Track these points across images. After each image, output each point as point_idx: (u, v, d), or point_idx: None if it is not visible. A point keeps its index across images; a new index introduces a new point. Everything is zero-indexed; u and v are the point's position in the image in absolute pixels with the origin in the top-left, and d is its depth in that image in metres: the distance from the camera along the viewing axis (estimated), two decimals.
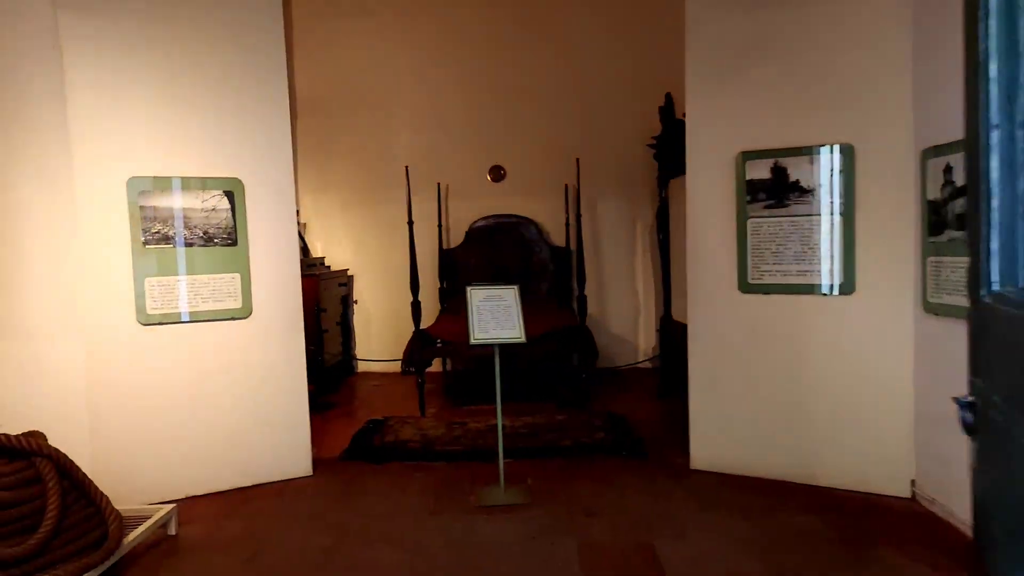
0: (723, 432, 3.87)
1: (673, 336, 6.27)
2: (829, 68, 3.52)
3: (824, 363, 3.60)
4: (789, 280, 3.65)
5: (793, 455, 3.70)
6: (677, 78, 6.38)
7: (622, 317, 7.12)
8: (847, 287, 3.52)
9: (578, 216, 5.43)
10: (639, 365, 7.14)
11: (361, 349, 7.25)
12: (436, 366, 6.50)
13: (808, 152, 3.56)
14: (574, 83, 7.06)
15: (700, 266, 3.95)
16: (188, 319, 3.72)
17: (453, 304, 6.80)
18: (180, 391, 3.70)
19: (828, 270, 3.56)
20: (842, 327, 3.55)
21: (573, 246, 7.02)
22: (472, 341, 3.58)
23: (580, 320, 5.36)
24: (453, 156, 7.11)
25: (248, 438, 3.86)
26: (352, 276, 7.20)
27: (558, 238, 7.12)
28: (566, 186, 7.04)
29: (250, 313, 3.88)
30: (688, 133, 3.93)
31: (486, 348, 3.62)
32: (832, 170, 3.51)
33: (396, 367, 6.66)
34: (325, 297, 6.29)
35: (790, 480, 3.71)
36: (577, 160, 5.41)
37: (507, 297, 3.71)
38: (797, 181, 3.60)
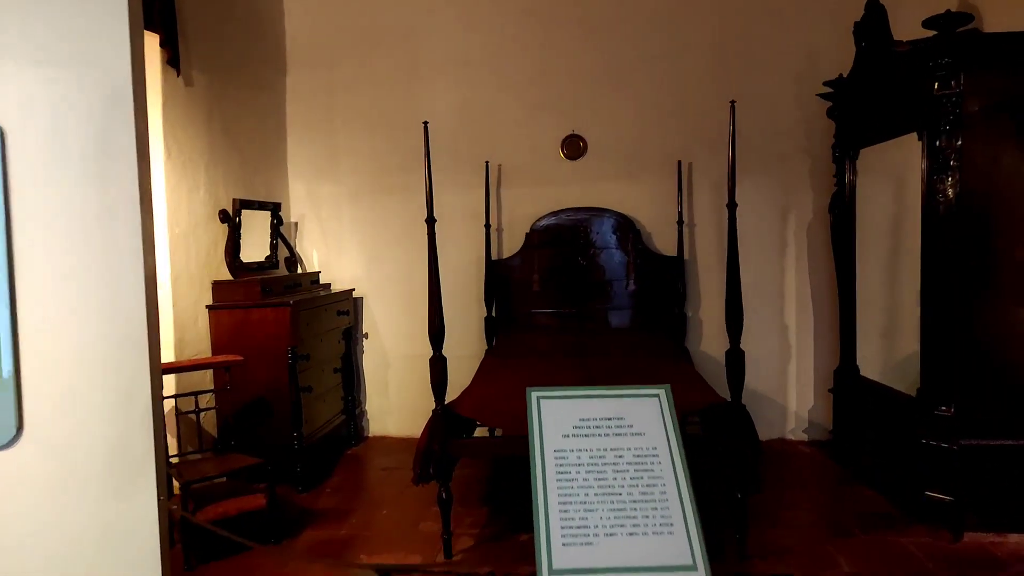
0: None
1: (862, 402, 3.82)
2: None
3: None
4: None
5: None
6: None
7: (762, 364, 4.65)
8: None
9: (732, 205, 2.97)
10: (789, 437, 4.68)
11: (374, 403, 5.02)
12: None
13: None
14: (692, 8, 4.64)
15: None
16: None
17: (504, 343, 4.51)
18: None
19: None
20: None
21: (688, 254, 4.65)
22: None
23: (734, 394, 2.94)
24: (509, 122, 4.81)
25: None
26: (360, 299, 4.98)
27: (664, 242, 4.72)
28: (679, 164, 4.64)
29: (14, 435, 1.65)
30: None
31: None
32: None
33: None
34: (310, 336, 4.07)
35: None
36: (732, 104, 2.97)
37: (647, 427, 1.38)
38: None
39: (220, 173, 4.02)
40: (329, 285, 4.90)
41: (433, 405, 3.64)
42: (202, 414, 3.39)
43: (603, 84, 4.73)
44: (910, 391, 4.10)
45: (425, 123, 3.07)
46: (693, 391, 3.25)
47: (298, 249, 4.94)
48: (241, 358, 3.43)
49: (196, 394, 3.33)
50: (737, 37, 4.60)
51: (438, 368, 3.06)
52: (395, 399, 4.98)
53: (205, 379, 3.65)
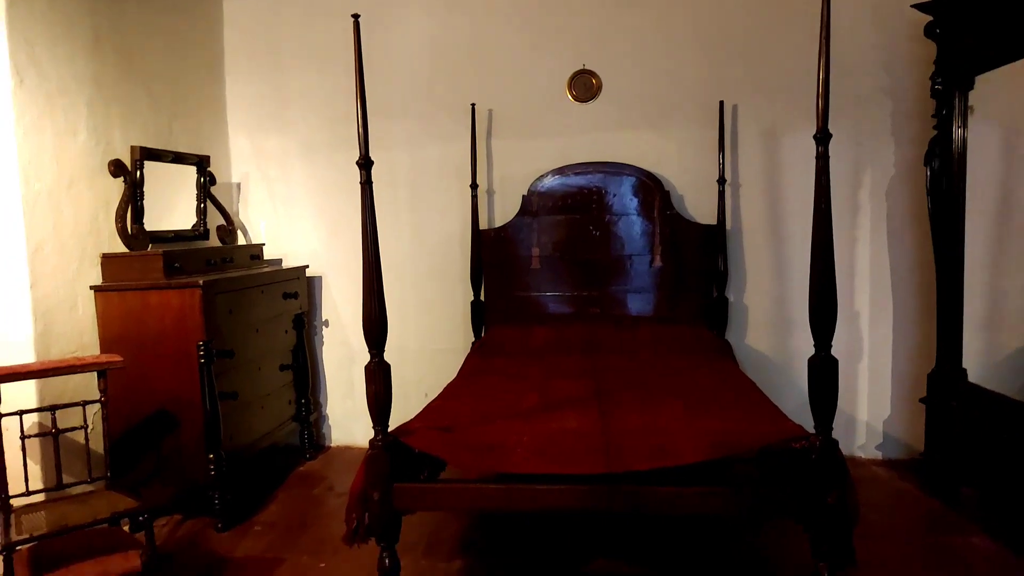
0: None
1: (970, 417, 2.82)
2: None
3: None
4: None
5: None
6: None
7: None
8: None
9: (823, 137, 1.87)
10: (859, 455, 3.68)
11: (337, 406, 4.08)
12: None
13: None
14: None
15: None
16: None
17: (495, 337, 3.57)
18: None
19: None
20: None
21: (731, 222, 3.67)
22: None
23: (820, 425, 1.94)
24: (502, 56, 3.80)
25: None
26: (317, 279, 4.02)
27: (700, 207, 3.71)
28: (720, 106, 3.60)
29: None
30: None
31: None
32: None
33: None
34: (237, 326, 3.13)
35: None
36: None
37: None
38: None
39: (115, 114, 3.05)
40: (280, 261, 3.95)
41: (411, 404, 2.75)
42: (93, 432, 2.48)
43: (622, 5, 3.69)
44: (1020, 395, 3.12)
45: (355, 16, 2.04)
46: (755, 414, 2.26)
47: (241, 217, 3.98)
48: (120, 359, 2.48)
49: (56, 409, 2.39)
50: None
51: (378, 379, 2.09)
52: (363, 401, 3.98)
53: (91, 386, 2.70)
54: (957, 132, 2.96)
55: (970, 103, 2.92)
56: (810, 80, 2.04)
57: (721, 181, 3.59)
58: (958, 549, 2.63)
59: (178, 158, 3.35)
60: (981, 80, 2.90)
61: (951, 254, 3.02)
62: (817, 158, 1.90)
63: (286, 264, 3.92)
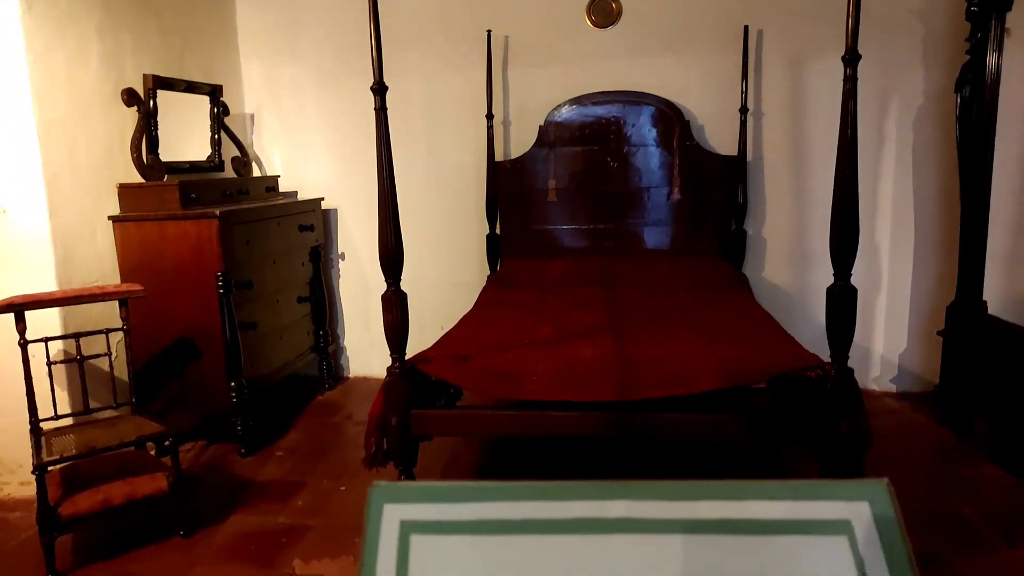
0: None
1: (988, 350, 2.80)
2: None
3: None
4: None
5: None
6: None
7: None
8: None
9: (852, 58, 1.78)
10: (872, 388, 3.69)
11: (354, 338, 4.13)
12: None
13: None
14: None
15: None
16: None
17: (510, 269, 3.57)
18: None
19: None
20: None
21: (751, 153, 3.59)
22: None
23: (836, 354, 1.93)
24: None
25: None
26: (333, 211, 4.01)
27: (721, 137, 3.63)
28: (745, 31, 3.47)
29: None
30: None
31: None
32: None
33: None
34: (255, 257, 3.15)
35: None
36: None
37: None
38: None
39: (126, 41, 3.00)
40: (295, 193, 3.94)
41: (426, 336, 2.79)
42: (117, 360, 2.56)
43: None
44: None
45: None
46: (770, 344, 2.26)
47: (255, 148, 3.95)
48: (140, 288, 2.52)
49: (80, 336, 2.44)
50: None
51: (395, 308, 2.10)
52: (379, 332, 4.05)
53: (112, 315, 2.75)
54: (991, 57, 2.84)
55: (1007, 26, 2.79)
56: (839, 3, 1.95)
57: (743, 110, 3.50)
58: (968, 477, 2.66)
59: (191, 87, 3.31)
60: (1020, 2, 2.77)
61: (977, 185, 2.95)
62: (845, 80, 1.84)
63: (301, 196, 3.91)
